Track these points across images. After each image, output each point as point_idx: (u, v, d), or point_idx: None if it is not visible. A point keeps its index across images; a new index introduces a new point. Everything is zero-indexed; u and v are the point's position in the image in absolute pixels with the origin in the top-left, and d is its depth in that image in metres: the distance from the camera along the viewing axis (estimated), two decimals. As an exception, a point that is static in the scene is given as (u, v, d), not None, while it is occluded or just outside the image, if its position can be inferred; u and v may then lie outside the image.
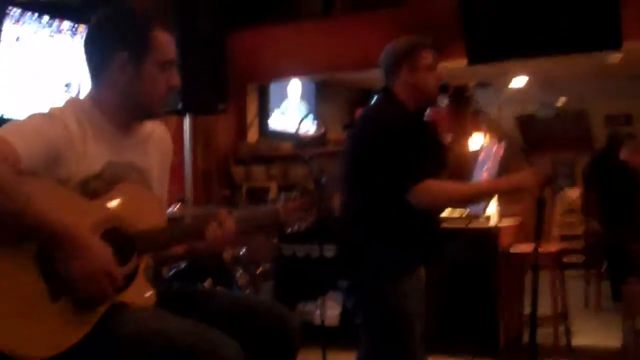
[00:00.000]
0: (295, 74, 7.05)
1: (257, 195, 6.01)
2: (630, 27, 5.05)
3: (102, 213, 1.87)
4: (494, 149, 4.87)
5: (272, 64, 6.61)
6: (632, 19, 5.04)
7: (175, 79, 2.02)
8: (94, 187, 1.89)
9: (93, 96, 2.01)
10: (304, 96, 7.89)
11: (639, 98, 9.46)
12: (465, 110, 2.85)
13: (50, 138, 1.83)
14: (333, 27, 6.46)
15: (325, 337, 3.83)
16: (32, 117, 1.90)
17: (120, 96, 1.98)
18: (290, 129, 7.31)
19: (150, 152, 2.11)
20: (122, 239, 1.88)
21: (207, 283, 3.16)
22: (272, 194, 6.02)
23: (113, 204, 1.90)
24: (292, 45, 6.48)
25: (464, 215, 4.88)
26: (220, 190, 6.10)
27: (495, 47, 5.48)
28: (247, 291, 3.78)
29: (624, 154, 7.01)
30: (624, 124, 10.11)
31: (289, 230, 2.21)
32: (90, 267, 1.72)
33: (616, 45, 5.17)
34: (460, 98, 2.78)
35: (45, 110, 1.94)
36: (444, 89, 2.74)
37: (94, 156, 1.91)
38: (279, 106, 7.45)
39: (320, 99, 8.12)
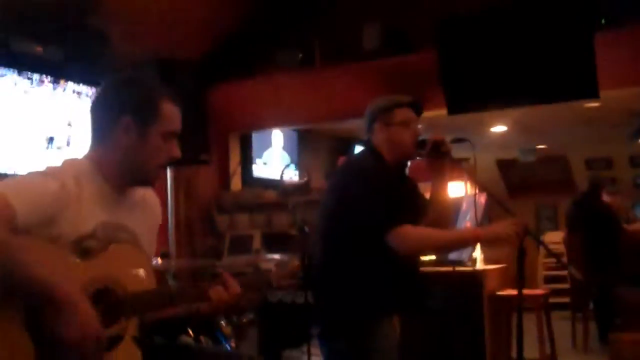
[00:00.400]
0: (276, 124, 7.11)
1: (241, 243, 5.99)
2: (606, 77, 5.15)
3: (93, 273, 1.87)
4: (478, 198, 4.90)
5: (254, 115, 6.66)
6: (607, 69, 5.15)
7: (176, 151, 2.06)
8: (87, 247, 1.90)
9: (92, 157, 2.03)
10: (286, 145, 7.93)
11: (618, 143, 9.60)
12: (443, 162, 2.91)
13: (47, 197, 1.83)
14: (312, 78, 6.52)
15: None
16: (31, 175, 1.91)
17: (121, 160, 2.00)
18: (273, 177, 7.33)
19: (140, 216, 2.13)
20: (112, 299, 1.88)
21: (189, 334, 3.12)
22: (257, 242, 5.99)
23: (105, 264, 1.90)
24: (272, 97, 6.54)
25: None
26: (203, 240, 6.07)
27: (475, 97, 5.56)
28: (232, 340, 3.74)
29: (606, 197, 7.09)
30: (605, 167, 10.23)
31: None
32: (75, 328, 1.68)
33: (593, 94, 5.25)
34: (438, 152, 2.85)
35: (42, 168, 1.95)
36: (421, 144, 2.82)
37: (88, 216, 1.92)
38: (261, 155, 7.47)
39: (303, 147, 8.16)
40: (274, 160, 7.68)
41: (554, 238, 8.31)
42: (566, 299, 7.59)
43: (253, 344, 4.61)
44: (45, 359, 1.72)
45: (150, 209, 2.20)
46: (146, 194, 2.18)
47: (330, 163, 8.46)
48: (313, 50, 6.53)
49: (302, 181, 6.63)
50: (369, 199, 2.63)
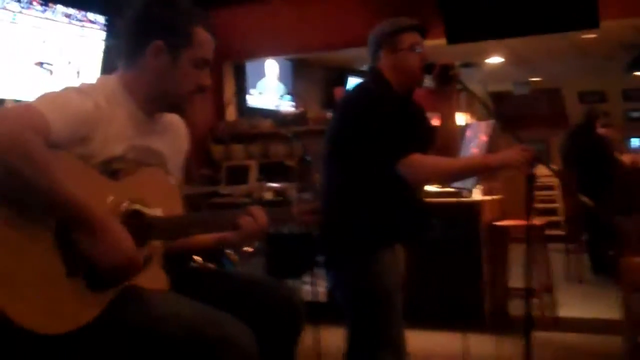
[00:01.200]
0: (270, 53, 7.01)
1: (238, 174, 5.96)
2: (603, 6, 5.09)
3: (122, 194, 1.85)
4: (484, 125, 4.87)
5: (248, 43, 6.55)
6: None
7: (207, 79, 2.01)
8: (116, 168, 1.88)
9: (123, 78, 1.98)
10: (280, 75, 7.84)
11: (612, 76, 9.59)
12: (451, 88, 2.84)
13: (81, 114, 1.80)
14: (308, 7, 6.40)
15: (316, 312, 3.80)
16: (66, 91, 1.86)
17: (150, 83, 1.96)
18: (268, 107, 7.26)
19: (169, 140, 2.10)
20: (141, 222, 1.87)
21: (197, 260, 3.11)
22: (253, 172, 5.96)
23: (134, 186, 1.88)
24: (266, 25, 6.42)
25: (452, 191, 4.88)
26: (199, 170, 6.03)
27: (475, 26, 5.49)
28: (239, 268, 3.75)
29: (600, 130, 7.10)
30: (598, 101, 10.24)
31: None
32: (112, 252, 1.71)
33: (593, 24, 5.21)
34: (445, 77, 2.77)
35: (77, 85, 1.91)
36: (428, 69, 2.74)
37: (118, 137, 1.89)
38: (255, 85, 7.39)
39: (298, 77, 8.08)
40: (269, 90, 7.60)
41: (546, 171, 8.34)
42: (558, 232, 7.68)
43: (259, 273, 4.63)
44: (75, 280, 1.72)
45: (178, 135, 2.16)
46: (173, 119, 2.14)
47: (325, 93, 8.39)
48: (310, -24, 6.39)
49: (299, 111, 6.55)
50: (378, 127, 2.58)
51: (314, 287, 4.03)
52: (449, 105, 2.84)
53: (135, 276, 1.80)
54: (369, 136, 2.58)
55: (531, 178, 2.63)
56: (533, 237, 4.98)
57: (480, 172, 2.93)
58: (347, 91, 2.87)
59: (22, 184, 1.61)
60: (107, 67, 4.95)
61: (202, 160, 6.19)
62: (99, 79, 2.01)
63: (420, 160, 2.57)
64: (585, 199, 3.04)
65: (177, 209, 2.01)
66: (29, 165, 1.60)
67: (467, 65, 2.70)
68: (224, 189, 5.20)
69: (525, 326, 2.59)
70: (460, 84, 2.79)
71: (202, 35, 1.97)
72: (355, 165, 2.63)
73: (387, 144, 2.56)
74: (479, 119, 7.25)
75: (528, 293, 2.84)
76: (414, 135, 2.66)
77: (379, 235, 2.64)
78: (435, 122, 2.90)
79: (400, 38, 2.72)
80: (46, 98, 1.78)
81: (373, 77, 2.78)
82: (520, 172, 2.58)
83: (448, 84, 2.78)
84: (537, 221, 5.17)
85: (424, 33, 2.80)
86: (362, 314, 2.67)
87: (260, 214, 2.05)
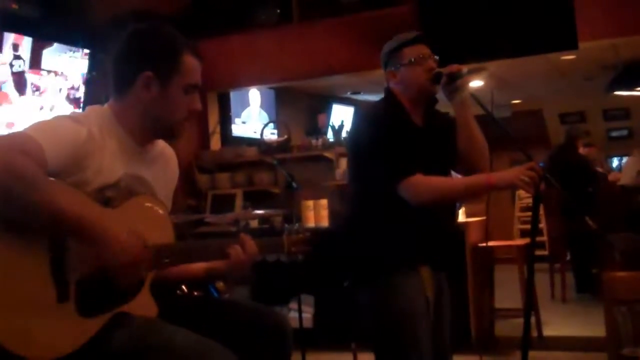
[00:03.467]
0: (254, 82, 7.05)
1: (223, 202, 5.98)
2: (582, 27, 5.18)
3: (120, 223, 1.86)
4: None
5: (232, 73, 6.60)
6: (583, 20, 5.18)
7: (197, 104, 2.03)
8: (109, 196, 1.90)
9: (114, 108, 2.01)
10: (264, 104, 7.89)
11: (592, 96, 9.69)
12: (463, 94, 2.72)
13: (75, 141, 1.83)
14: (290, 35, 6.47)
15: (303, 339, 3.83)
16: (59, 119, 1.90)
17: (143, 113, 1.99)
18: (253, 136, 7.30)
19: (159, 170, 2.12)
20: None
21: (183, 289, 3.12)
22: (238, 200, 5.99)
23: (126, 215, 1.90)
24: (250, 55, 6.48)
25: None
26: (185, 200, 6.05)
27: (455, 50, 5.55)
28: (227, 296, 3.76)
29: (582, 150, 7.17)
30: (578, 121, 10.33)
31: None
32: (119, 253, 1.75)
33: (572, 46, 5.30)
34: (453, 85, 2.63)
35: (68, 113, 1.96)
36: (437, 78, 2.65)
37: (110, 166, 1.92)
38: (239, 115, 7.43)
39: (281, 105, 8.12)
40: (253, 119, 7.65)
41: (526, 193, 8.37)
42: (542, 252, 7.72)
43: (244, 300, 4.65)
44: (65, 305, 1.74)
45: (168, 165, 2.19)
46: (165, 149, 2.17)
47: (309, 121, 8.44)
48: (291, 6, 6.46)
49: (283, 138, 6.60)
50: (376, 150, 2.56)
51: (300, 313, 4.05)
52: (464, 111, 2.69)
53: (147, 271, 1.84)
54: (368, 159, 2.58)
55: (537, 199, 2.52)
56: (517, 257, 5.04)
57: (484, 192, 2.78)
58: (357, 112, 2.83)
59: (18, 204, 1.64)
60: (90, 97, 4.98)
61: (187, 190, 6.21)
62: (90, 109, 2.03)
63: (421, 181, 2.52)
64: (590, 221, 2.99)
65: (169, 237, 2.03)
66: (23, 184, 1.63)
67: (476, 70, 2.61)
68: (210, 218, 5.22)
69: (522, 345, 2.55)
70: (467, 90, 2.67)
71: (190, 61, 2.00)
72: (367, 188, 2.63)
73: (386, 167, 2.54)
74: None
75: (529, 310, 2.66)
76: (418, 154, 2.58)
77: (394, 257, 2.58)
78: None
79: (401, 54, 2.69)
80: (39, 126, 1.81)
81: (384, 97, 2.75)
82: (526, 192, 2.46)
83: (458, 91, 2.66)
84: (521, 241, 5.22)
85: (427, 42, 2.72)
86: (380, 337, 2.62)
87: (249, 243, 2.06)
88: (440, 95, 2.73)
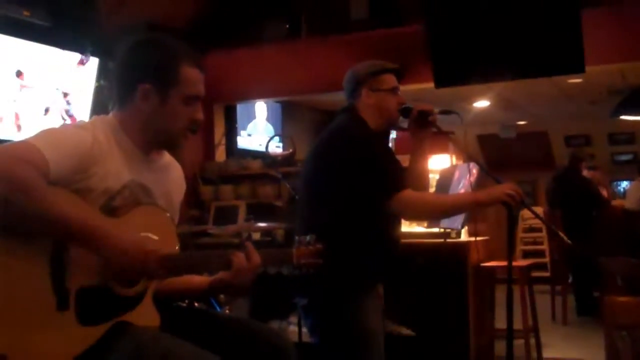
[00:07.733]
0: (261, 96, 7.09)
1: (226, 214, 5.99)
2: (589, 51, 5.20)
3: (121, 230, 1.85)
4: (470, 167, 4.92)
5: (239, 86, 6.65)
6: (591, 44, 5.20)
7: (199, 114, 2.03)
8: (114, 205, 1.90)
9: (118, 118, 2.02)
10: (270, 117, 7.92)
11: (597, 120, 9.70)
12: (426, 132, 2.85)
13: (80, 148, 1.84)
14: (298, 50, 6.51)
15: (303, 353, 3.81)
16: (64, 127, 1.94)
17: (143, 124, 1.99)
18: (258, 149, 7.32)
19: (164, 182, 2.12)
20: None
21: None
22: (242, 212, 6.00)
23: (130, 224, 1.89)
24: (258, 68, 6.53)
25: (441, 231, 4.90)
26: (188, 211, 6.06)
27: (462, 71, 5.58)
28: (226, 307, 3.76)
29: (586, 172, 7.18)
30: (584, 144, 10.34)
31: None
32: (129, 252, 1.76)
33: (579, 69, 5.31)
34: (423, 121, 2.80)
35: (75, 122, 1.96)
36: (405, 112, 2.78)
37: (116, 174, 1.92)
38: (245, 127, 7.46)
39: (287, 119, 8.15)
40: (258, 132, 7.67)
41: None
42: (544, 274, 7.72)
43: (243, 313, 4.63)
44: (65, 314, 1.74)
45: (174, 177, 2.18)
46: (172, 164, 2.17)
47: (315, 135, 8.44)
48: (300, 21, 6.50)
49: (288, 152, 6.62)
50: (367, 166, 2.58)
51: (299, 327, 4.05)
52: (422, 149, 2.84)
53: (150, 279, 1.85)
54: (355, 176, 2.58)
55: (512, 220, 2.70)
56: (519, 278, 5.04)
57: (470, 207, 2.95)
58: (324, 134, 2.79)
59: (18, 212, 1.64)
60: (98, 106, 5.01)
61: (190, 201, 6.22)
62: (95, 118, 2.03)
63: (413, 196, 2.59)
64: (563, 235, 3.07)
65: (174, 247, 2.02)
66: (23, 193, 1.63)
67: (447, 112, 2.74)
68: (212, 229, 5.22)
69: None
70: (436, 127, 2.81)
71: (189, 72, 1.99)
72: (336, 210, 2.62)
73: (378, 181, 2.57)
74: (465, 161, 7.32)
75: (510, 334, 2.75)
76: (402, 172, 2.69)
77: (359, 275, 2.63)
78: (405, 163, 2.89)
79: (383, 78, 2.77)
80: (43, 135, 1.81)
81: (350, 116, 2.76)
82: (511, 203, 2.57)
83: (425, 128, 2.80)
84: (523, 262, 5.22)
85: (402, 77, 2.85)
86: (347, 354, 2.63)
87: (253, 253, 2.04)
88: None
